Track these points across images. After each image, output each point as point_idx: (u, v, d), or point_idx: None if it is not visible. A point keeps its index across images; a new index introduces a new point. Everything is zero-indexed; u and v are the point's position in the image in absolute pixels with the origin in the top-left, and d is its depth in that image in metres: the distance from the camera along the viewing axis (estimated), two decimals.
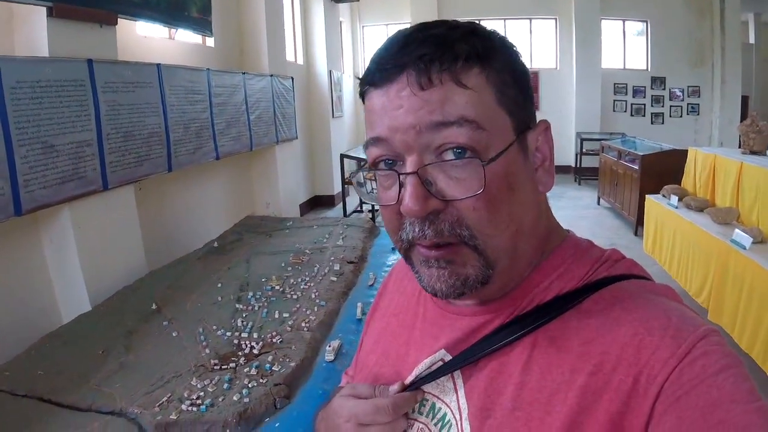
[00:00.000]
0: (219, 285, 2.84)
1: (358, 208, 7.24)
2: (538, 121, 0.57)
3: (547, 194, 0.61)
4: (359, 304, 2.55)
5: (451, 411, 0.57)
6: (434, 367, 0.60)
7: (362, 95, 0.55)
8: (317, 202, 8.07)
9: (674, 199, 4.54)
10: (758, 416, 0.41)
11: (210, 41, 4.95)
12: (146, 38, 3.98)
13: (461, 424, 0.55)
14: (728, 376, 0.44)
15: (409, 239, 0.53)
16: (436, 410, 0.59)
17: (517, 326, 0.55)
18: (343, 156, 6.67)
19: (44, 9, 2.57)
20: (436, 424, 0.58)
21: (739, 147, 4.42)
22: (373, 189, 0.56)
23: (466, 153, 0.50)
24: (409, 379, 0.62)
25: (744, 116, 4.90)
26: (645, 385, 0.45)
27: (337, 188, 7.98)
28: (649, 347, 0.47)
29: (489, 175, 0.49)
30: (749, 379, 0.44)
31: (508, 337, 0.55)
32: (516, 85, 0.53)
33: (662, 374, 0.45)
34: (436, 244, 0.52)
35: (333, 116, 8.10)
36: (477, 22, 0.55)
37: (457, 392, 0.57)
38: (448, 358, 0.59)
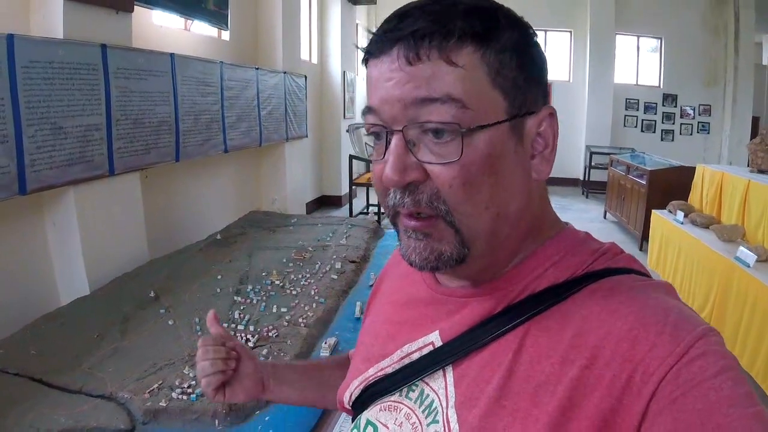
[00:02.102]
0: (219, 277, 2.83)
1: (365, 210, 7.23)
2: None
3: (554, 205, 0.61)
4: (358, 303, 2.53)
5: (438, 398, 0.56)
6: (425, 350, 0.60)
7: (364, 63, 0.56)
8: (324, 202, 8.07)
9: (680, 214, 4.52)
10: (756, 421, 0.40)
11: (225, 35, 4.96)
12: (162, 28, 3.99)
13: (446, 412, 0.54)
14: (726, 378, 0.42)
15: (393, 206, 0.54)
16: (424, 396, 0.58)
17: (508, 317, 0.54)
18: (352, 157, 6.61)
19: None
20: (423, 411, 0.57)
21: (748, 166, 4.39)
22: (367, 145, 0.58)
23: (448, 128, 0.49)
24: (398, 355, 0.63)
25: (754, 137, 4.87)
26: (640, 383, 0.44)
27: (345, 189, 7.98)
28: (645, 344, 0.45)
29: (467, 147, 0.49)
30: (747, 382, 0.43)
31: (499, 328, 0.54)
32: (519, 68, 0.52)
33: (659, 373, 0.43)
34: (415, 213, 0.53)
35: (344, 117, 8.11)
36: None
37: (445, 379, 0.57)
38: (439, 342, 0.59)
